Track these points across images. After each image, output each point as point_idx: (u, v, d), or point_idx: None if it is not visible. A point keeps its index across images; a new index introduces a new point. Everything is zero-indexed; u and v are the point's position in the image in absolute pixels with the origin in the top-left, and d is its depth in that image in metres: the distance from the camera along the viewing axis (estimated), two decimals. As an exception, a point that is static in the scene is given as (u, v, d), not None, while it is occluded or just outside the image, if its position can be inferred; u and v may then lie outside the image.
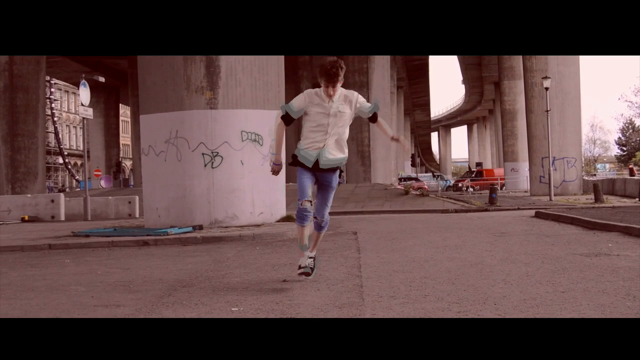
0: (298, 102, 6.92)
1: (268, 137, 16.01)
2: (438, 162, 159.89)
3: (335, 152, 6.98)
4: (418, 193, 35.03)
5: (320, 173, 7.05)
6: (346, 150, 7.09)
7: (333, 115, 6.82)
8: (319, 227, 7.28)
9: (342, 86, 6.94)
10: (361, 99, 7.03)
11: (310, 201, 6.96)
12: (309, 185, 7.00)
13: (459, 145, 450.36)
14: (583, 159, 47.78)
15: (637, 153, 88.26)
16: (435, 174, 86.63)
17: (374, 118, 7.15)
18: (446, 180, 70.64)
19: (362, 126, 43.08)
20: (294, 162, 7.10)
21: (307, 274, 7.16)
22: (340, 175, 7.30)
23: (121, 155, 75.33)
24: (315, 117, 6.86)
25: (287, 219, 16.38)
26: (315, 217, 7.19)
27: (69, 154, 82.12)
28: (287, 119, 6.95)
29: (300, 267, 7.18)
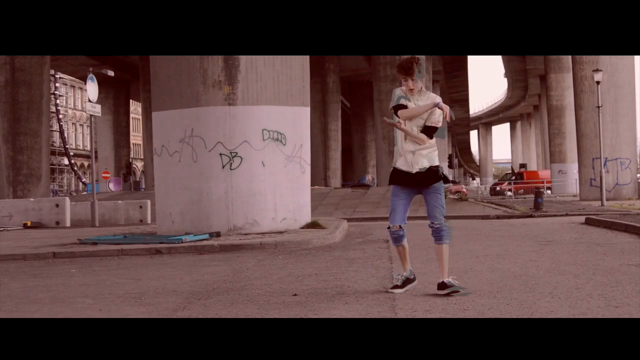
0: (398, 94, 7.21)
1: (291, 136, 16.02)
2: (478, 164, 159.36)
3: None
4: (456, 197, 34.94)
5: (419, 184, 7.21)
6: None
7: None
8: (438, 235, 7.29)
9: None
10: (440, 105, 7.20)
11: (401, 226, 7.23)
12: (401, 210, 7.24)
13: (501, 145, 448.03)
14: (638, 160, 47.34)
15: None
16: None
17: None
18: None
19: (394, 124, 42.84)
20: (392, 178, 7.31)
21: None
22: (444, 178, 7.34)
23: (132, 155, 75.78)
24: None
25: (312, 225, 16.35)
26: (431, 225, 7.28)
27: (75, 155, 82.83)
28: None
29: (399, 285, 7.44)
